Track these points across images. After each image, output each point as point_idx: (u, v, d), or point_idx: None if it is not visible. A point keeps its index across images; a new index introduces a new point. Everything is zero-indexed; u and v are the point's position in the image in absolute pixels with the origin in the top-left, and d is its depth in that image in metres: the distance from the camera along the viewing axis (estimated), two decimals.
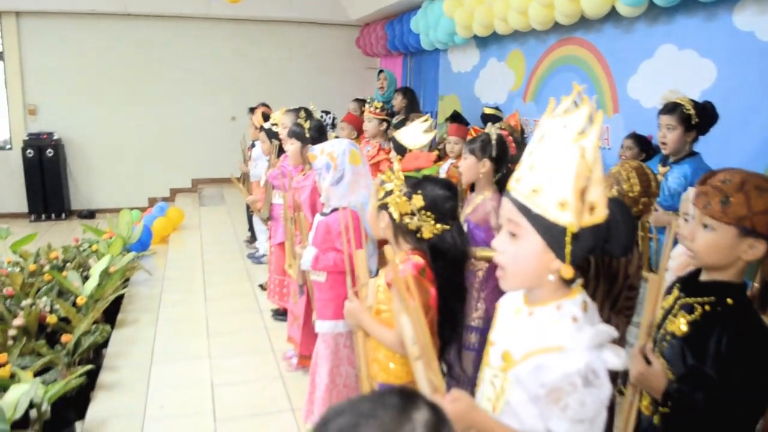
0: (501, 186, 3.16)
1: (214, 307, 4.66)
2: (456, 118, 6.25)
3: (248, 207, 6.43)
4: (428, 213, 1.87)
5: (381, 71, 6.89)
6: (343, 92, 9.66)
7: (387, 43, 8.68)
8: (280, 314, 4.38)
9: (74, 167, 9.23)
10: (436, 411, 0.81)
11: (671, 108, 3.26)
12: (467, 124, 5.81)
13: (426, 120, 3.33)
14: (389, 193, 1.92)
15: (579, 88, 1.40)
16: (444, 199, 1.90)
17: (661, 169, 3.35)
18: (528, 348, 1.27)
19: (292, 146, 3.39)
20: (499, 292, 3.03)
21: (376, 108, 4.86)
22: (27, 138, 8.65)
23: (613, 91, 5.02)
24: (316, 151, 2.66)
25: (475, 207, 2.89)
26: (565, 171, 1.21)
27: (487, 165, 2.87)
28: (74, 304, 4.44)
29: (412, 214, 1.88)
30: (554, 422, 1.21)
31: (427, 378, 1.41)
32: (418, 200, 1.86)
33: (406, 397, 0.82)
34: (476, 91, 7.25)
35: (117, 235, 5.70)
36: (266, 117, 5.50)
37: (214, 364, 3.72)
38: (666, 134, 3.26)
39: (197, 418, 3.23)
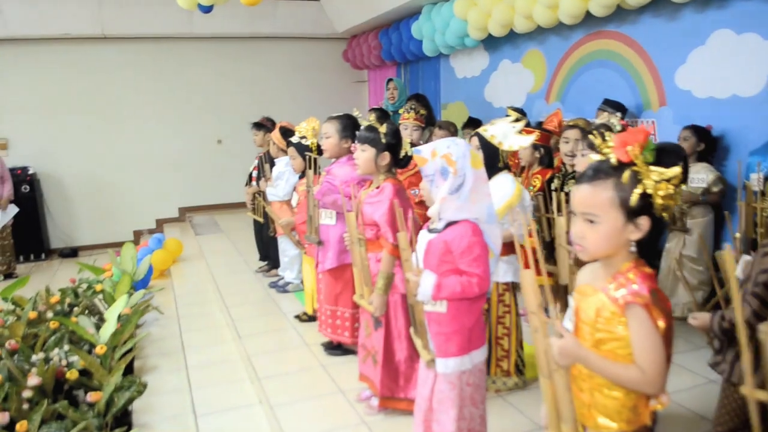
0: None
1: (252, 346, 4.13)
2: (472, 123, 5.92)
3: (261, 232, 5.95)
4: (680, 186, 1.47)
5: (390, 80, 6.51)
6: (332, 107, 9.13)
7: (381, 52, 8.31)
8: (334, 348, 3.90)
9: (52, 203, 8.59)
10: None
11: None
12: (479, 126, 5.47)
13: (518, 119, 2.94)
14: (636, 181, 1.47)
15: None
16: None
17: None
18: None
19: (364, 153, 2.95)
20: None
21: (422, 115, 4.46)
22: None
23: (658, 83, 4.73)
24: (425, 153, 2.21)
25: None
26: None
27: None
28: (89, 353, 3.91)
29: (670, 197, 1.45)
30: None
31: None
32: (675, 171, 1.44)
33: None
34: (487, 96, 6.92)
35: (123, 272, 5.14)
36: (286, 132, 5.06)
37: (276, 412, 3.20)
38: None
39: None
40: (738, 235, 2.99)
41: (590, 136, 2.54)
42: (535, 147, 4.18)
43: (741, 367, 2.03)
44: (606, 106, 4.79)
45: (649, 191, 1.45)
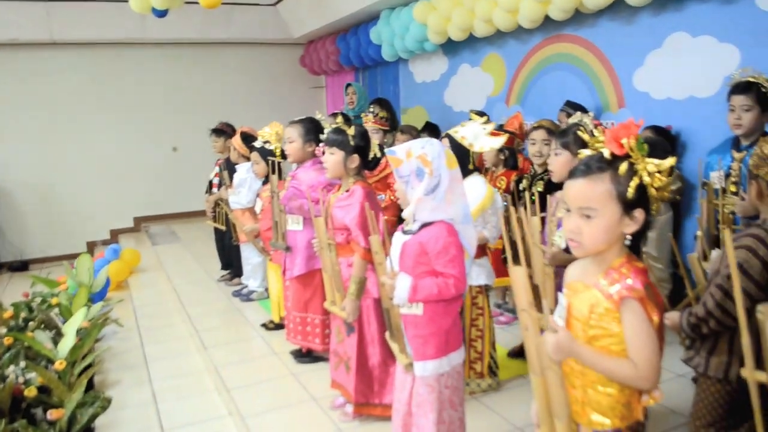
0: None
1: (219, 357, 4.03)
2: (429, 128, 5.94)
3: (222, 240, 5.84)
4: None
5: (349, 85, 6.46)
6: (289, 113, 9.05)
7: (339, 57, 8.27)
8: (303, 355, 3.84)
9: (0, 214, 8.25)
10: None
11: (745, 87, 3.02)
12: (439, 132, 5.50)
13: (486, 122, 2.94)
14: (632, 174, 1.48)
15: None
16: None
17: (736, 154, 3.11)
18: None
19: (332, 156, 2.90)
20: None
21: (383, 118, 4.44)
22: None
23: (616, 86, 4.81)
24: (400, 154, 2.19)
25: None
26: None
27: None
28: (47, 369, 3.75)
29: (663, 188, 1.48)
30: None
31: None
32: (670, 161, 1.47)
33: None
34: (447, 100, 6.95)
35: (80, 285, 4.96)
36: (247, 137, 4.98)
37: (248, 423, 3.13)
38: (741, 115, 3.01)
39: None
40: (700, 233, 3.06)
41: (578, 132, 2.55)
42: (499, 149, 4.21)
43: (717, 359, 2.06)
44: (568, 108, 4.86)
45: (646, 182, 1.46)
